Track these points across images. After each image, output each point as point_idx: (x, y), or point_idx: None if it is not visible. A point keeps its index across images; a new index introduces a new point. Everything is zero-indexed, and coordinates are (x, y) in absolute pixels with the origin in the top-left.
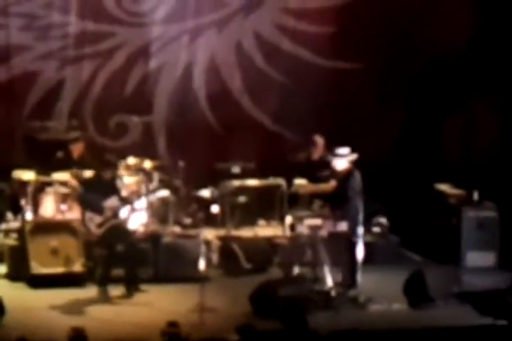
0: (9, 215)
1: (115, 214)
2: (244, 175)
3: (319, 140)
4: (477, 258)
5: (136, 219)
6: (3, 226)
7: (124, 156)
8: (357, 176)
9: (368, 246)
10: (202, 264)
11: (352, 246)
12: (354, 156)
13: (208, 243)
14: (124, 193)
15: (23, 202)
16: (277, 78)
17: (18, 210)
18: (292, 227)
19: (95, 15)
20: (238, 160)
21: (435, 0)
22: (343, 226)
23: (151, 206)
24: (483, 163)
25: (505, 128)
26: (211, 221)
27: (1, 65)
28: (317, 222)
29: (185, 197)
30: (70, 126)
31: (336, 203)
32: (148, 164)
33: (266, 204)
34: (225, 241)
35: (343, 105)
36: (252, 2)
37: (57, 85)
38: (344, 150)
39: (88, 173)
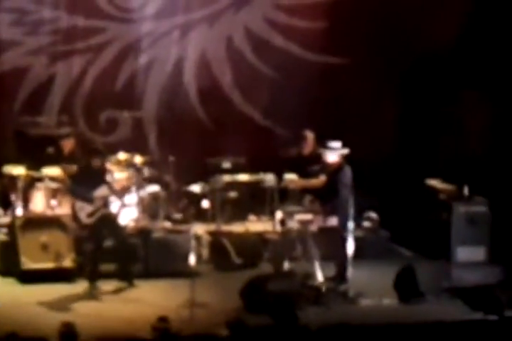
0: None
1: (106, 203)
2: (235, 170)
3: (309, 135)
4: (467, 253)
5: (127, 214)
6: None
7: (114, 151)
8: (347, 171)
9: (358, 240)
10: (192, 259)
11: (342, 241)
12: (345, 151)
13: (198, 238)
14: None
15: (13, 197)
16: (268, 73)
17: (8, 205)
18: (283, 222)
19: (86, 11)
20: (229, 155)
21: None
22: (333, 221)
23: (141, 201)
24: (474, 158)
25: (496, 123)
26: (201, 216)
27: None
28: (307, 216)
29: (175, 192)
30: (60, 122)
31: (326, 198)
32: (138, 159)
33: (256, 200)
34: (216, 236)
35: (334, 100)
36: None
37: (48, 80)
38: (336, 143)
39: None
